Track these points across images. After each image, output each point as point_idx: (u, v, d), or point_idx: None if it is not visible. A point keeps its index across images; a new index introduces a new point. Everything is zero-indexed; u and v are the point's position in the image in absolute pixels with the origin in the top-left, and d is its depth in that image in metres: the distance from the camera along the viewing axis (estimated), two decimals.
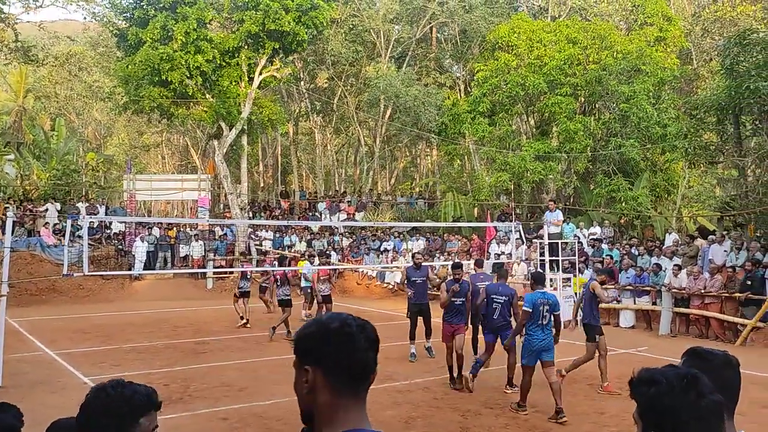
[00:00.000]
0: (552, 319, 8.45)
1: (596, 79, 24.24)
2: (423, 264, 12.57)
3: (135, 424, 2.02)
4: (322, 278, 15.42)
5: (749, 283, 14.02)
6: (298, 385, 1.75)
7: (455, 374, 10.05)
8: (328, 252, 24.07)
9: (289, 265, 18.20)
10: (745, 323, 13.76)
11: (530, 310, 8.30)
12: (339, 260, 23.98)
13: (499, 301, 9.64)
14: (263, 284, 17.51)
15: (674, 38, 28.00)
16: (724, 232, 17.51)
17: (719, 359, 2.26)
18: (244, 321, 15.94)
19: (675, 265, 15.91)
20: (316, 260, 20.54)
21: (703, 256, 16.44)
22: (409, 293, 12.30)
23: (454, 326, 10.09)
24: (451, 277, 10.38)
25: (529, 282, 10.72)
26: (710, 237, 16.98)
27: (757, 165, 19.92)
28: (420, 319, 12.07)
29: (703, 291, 14.78)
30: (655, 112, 23.02)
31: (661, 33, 27.68)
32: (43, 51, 33.69)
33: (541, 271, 10.76)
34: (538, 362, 8.41)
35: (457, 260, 11.90)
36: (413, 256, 13.29)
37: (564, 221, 18.98)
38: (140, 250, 23.18)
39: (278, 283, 14.86)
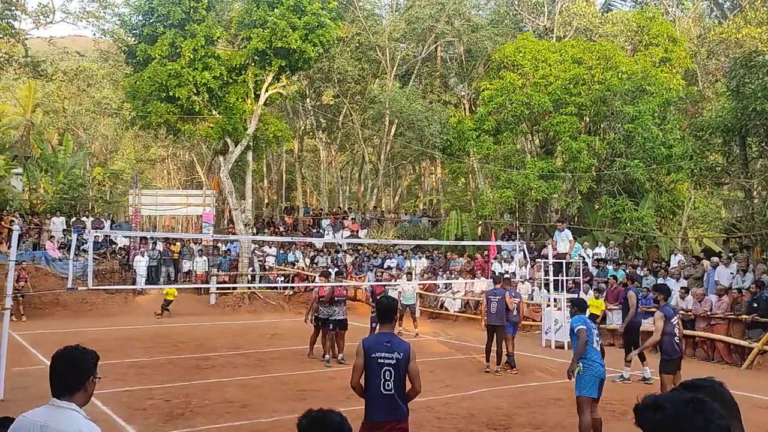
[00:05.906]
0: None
1: (601, 99, 24.27)
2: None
3: None
4: (337, 299, 13.23)
5: (755, 305, 13.92)
6: None
7: None
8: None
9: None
10: (751, 346, 13.64)
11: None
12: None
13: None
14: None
15: (679, 59, 28.09)
16: (730, 254, 17.42)
17: (709, 386, 2.15)
18: None
19: (682, 287, 15.82)
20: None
21: (708, 278, 16.36)
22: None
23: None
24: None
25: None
26: (715, 259, 16.89)
27: (763, 187, 19.88)
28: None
29: (709, 313, 14.68)
30: (660, 133, 23.00)
31: (666, 54, 27.76)
32: (53, 66, 33.93)
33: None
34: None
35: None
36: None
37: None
38: (141, 264, 23.29)
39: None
